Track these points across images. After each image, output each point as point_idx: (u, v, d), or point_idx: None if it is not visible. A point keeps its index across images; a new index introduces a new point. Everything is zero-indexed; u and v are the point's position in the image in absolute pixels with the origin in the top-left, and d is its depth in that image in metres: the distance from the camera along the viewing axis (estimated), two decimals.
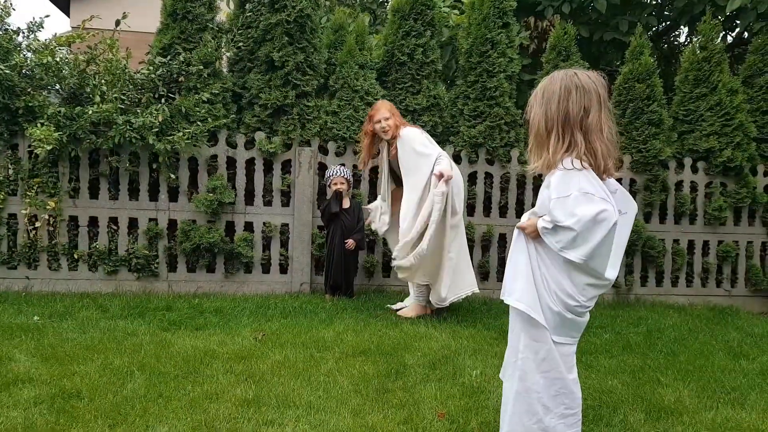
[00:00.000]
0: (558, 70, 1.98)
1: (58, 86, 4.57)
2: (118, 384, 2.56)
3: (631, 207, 2.02)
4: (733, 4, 5.68)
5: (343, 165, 4.85)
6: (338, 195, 4.53)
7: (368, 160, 4.28)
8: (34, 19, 4.71)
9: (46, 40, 4.63)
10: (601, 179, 1.88)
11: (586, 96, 1.86)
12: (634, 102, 5.10)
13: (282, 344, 3.24)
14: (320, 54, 4.95)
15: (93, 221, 4.61)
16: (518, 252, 1.98)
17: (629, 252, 5.14)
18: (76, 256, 4.53)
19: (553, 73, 1.95)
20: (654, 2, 8.02)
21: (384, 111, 4.05)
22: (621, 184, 5.03)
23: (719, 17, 6.28)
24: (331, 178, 4.57)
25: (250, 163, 4.84)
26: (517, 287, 1.95)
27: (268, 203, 4.85)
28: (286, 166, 4.88)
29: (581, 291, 1.90)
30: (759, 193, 5.26)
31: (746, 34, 7.28)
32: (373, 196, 5.03)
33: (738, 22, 6.91)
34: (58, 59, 4.45)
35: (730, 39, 7.75)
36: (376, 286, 4.92)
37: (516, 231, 2.00)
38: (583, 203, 1.79)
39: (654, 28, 7.72)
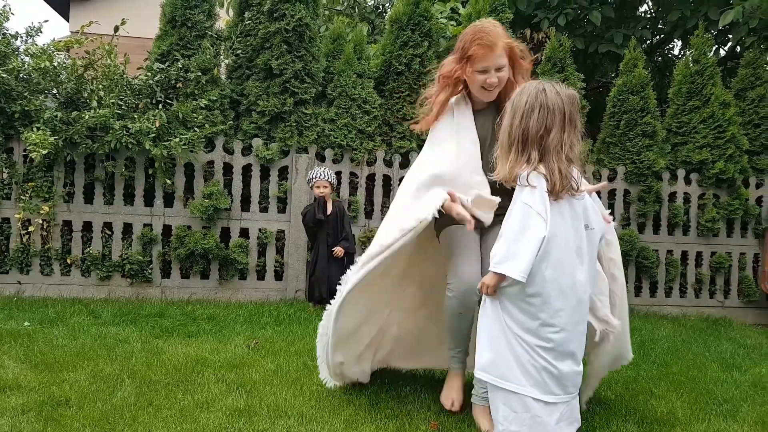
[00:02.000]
0: (533, 81, 1.97)
1: (55, 91, 4.57)
2: (108, 392, 2.54)
3: (598, 225, 1.99)
4: (725, 18, 5.75)
5: (339, 171, 4.86)
6: (322, 201, 4.41)
7: (435, 120, 2.47)
8: (32, 23, 4.72)
9: (44, 44, 4.64)
10: (558, 198, 1.86)
11: (549, 116, 1.86)
12: (628, 114, 5.14)
13: (275, 352, 3.22)
14: (318, 62, 4.97)
15: (87, 226, 4.59)
16: (482, 316, 1.95)
17: (623, 262, 5.15)
18: (69, 261, 4.51)
19: (527, 85, 1.95)
20: (648, 16, 8.11)
21: (502, 53, 2.29)
22: (615, 195, 5.14)
23: (712, 31, 6.35)
24: (315, 180, 4.40)
25: (246, 169, 4.84)
26: (484, 358, 1.91)
27: (264, 209, 4.85)
28: (283, 173, 4.88)
29: (554, 315, 1.85)
30: (751, 205, 5.30)
31: (738, 48, 7.36)
32: (370, 203, 5.03)
33: (730, 36, 6.99)
34: (55, 64, 4.46)
35: (722, 53, 7.83)
36: None
37: (483, 298, 1.96)
38: (518, 211, 1.83)
39: (648, 41, 7.80)
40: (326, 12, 7.28)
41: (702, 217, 5.23)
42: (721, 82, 5.29)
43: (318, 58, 4.97)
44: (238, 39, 4.97)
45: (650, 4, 8.31)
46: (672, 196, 5.28)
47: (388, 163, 5.04)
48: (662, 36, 8.03)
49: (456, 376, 2.49)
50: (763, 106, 5.36)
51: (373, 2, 7.82)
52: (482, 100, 2.41)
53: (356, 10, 7.55)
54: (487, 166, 2.32)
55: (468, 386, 2.48)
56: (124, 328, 3.63)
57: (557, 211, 1.84)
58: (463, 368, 2.50)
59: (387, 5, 7.91)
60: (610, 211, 3.02)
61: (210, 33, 4.84)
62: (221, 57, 5.04)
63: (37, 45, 4.62)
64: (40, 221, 4.46)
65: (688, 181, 5.28)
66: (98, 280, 4.54)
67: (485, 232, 2.42)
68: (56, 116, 4.29)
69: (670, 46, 8.75)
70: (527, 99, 1.90)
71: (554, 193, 1.84)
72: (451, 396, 2.44)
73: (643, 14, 8.23)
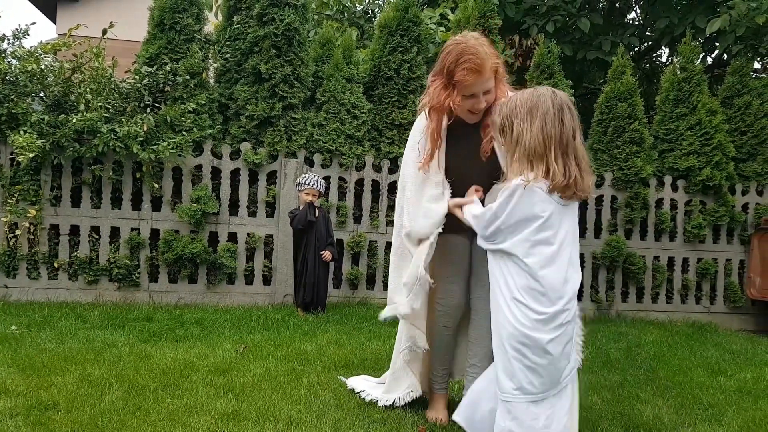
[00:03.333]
0: (536, 87, 1.93)
1: (42, 94, 4.54)
2: (96, 396, 2.52)
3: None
4: (712, 26, 5.84)
5: (328, 176, 4.87)
6: (311, 206, 4.39)
7: (435, 152, 2.28)
8: (19, 26, 4.69)
9: (31, 47, 4.60)
10: (570, 199, 1.88)
11: (575, 119, 1.88)
12: (615, 120, 5.19)
13: (263, 357, 3.21)
14: (307, 67, 4.98)
15: (74, 230, 4.55)
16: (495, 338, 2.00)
17: (610, 268, 5.20)
18: (56, 265, 4.47)
19: (541, 91, 1.88)
20: (636, 23, 8.21)
21: (490, 76, 2.14)
22: (602, 201, 5.19)
23: (699, 39, 6.44)
24: (306, 187, 4.38)
25: (235, 173, 4.83)
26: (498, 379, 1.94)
27: (252, 214, 4.83)
28: (272, 177, 4.88)
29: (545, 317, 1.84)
30: (737, 211, 5.36)
31: (725, 56, 7.47)
32: (358, 208, 5.04)
33: (717, 44, 7.09)
34: (42, 67, 4.43)
35: (709, 60, 7.94)
36: (359, 299, 4.92)
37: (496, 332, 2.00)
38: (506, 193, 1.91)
39: (636, 49, 7.89)
40: (315, 17, 7.29)
41: (688, 223, 5.29)
42: (708, 89, 5.36)
43: (307, 63, 4.98)
44: (226, 43, 4.96)
45: (638, 11, 8.43)
46: (659, 202, 5.33)
47: (377, 168, 5.05)
48: (650, 43, 8.13)
49: (441, 397, 2.53)
50: (749, 114, 5.44)
51: (362, 7, 7.85)
52: (467, 122, 2.28)
53: (345, 15, 7.57)
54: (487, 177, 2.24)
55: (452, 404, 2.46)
56: (111, 332, 3.60)
57: (560, 210, 1.88)
58: (446, 390, 2.56)
59: (376, 10, 7.95)
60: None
61: (198, 37, 4.83)
62: (210, 61, 5.03)
63: (23, 47, 4.59)
64: (27, 225, 4.42)
65: (674, 188, 5.34)
66: (86, 284, 4.50)
67: (474, 241, 2.26)
68: (43, 119, 4.26)
69: (658, 53, 8.87)
70: (551, 104, 1.84)
71: (574, 195, 1.86)
72: (437, 416, 2.45)
73: (631, 22, 8.33)
